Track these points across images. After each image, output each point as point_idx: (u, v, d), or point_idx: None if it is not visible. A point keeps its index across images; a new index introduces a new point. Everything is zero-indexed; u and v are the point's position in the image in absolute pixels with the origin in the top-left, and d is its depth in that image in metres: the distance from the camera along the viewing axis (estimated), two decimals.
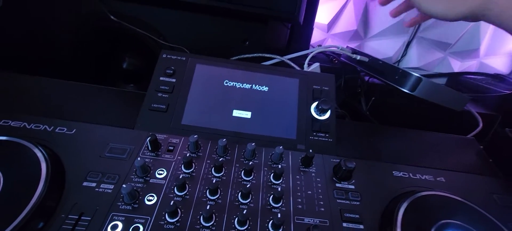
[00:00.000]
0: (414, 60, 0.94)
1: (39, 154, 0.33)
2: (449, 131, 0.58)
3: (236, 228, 0.32)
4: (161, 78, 0.47)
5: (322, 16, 0.85)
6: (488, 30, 0.90)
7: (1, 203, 0.29)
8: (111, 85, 0.63)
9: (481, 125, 0.66)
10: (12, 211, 0.28)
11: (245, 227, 0.33)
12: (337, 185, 0.40)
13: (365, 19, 0.88)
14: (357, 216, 0.37)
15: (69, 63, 0.58)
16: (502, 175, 0.48)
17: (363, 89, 0.73)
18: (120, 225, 0.30)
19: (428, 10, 0.41)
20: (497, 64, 0.98)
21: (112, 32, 0.57)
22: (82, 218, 0.30)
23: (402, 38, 0.90)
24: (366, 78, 0.75)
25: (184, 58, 0.49)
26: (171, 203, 0.31)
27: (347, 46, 0.71)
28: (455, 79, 0.98)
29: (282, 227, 0.33)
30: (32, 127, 0.39)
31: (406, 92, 0.57)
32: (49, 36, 0.56)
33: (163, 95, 0.45)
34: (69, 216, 0.30)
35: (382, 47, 0.91)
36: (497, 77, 0.93)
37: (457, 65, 0.97)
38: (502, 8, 0.35)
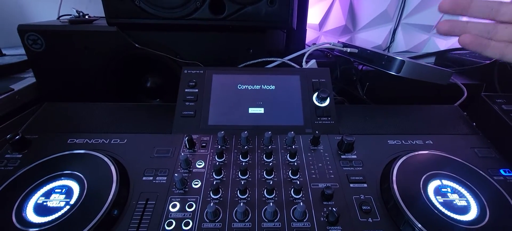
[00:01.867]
0: (402, 44, 1.03)
1: (108, 161, 0.42)
2: (439, 103, 0.66)
3: (266, 196, 0.41)
4: (186, 90, 0.56)
5: (313, 17, 0.95)
6: None
7: (88, 200, 0.38)
8: (139, 102, 0.73)
9: (465, 94, 0.74)
10: (98, 204, 0.38)
11: (272, 195, 0.42)
12: (342, 156, 0.49)
13: (352, 14, 0.97)
14: (361, 177, 0.45)
15: (103, 88, 0.68)
16: (482, 134, 0.56)
17: (357, 77, 0.81)
18: (178, 204, 0.40)
19: None
20: None
21: (136, 58, 0.66)
22: (149, 202, 0.40)
23: (388, 27, 0.99)
24: (359, 67, 0.84)
25: (202, 71, 0.59)
26: (214, 183, 0.41)
27: (338, 41, 0.80)
28: (443, 56, 1.07)
29: (302, 191, 0.42)
30: (93, 141, 0.48)
31: (393, 74, 0.65)
32: (86, 69, 0.66)
33: (190, 103, 0.55)
34: (139, 202, 0.39)
35: (371, 37, 1.00)
36: None
37: (443, 44, 1.05)
38: None
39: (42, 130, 0.51)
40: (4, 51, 0.79)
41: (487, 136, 0.55)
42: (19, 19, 0.65)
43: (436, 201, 0.41)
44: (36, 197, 0.38)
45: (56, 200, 0.38)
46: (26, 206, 0.37)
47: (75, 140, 0.48)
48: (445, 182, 0.44)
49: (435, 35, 1.04)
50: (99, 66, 0.66)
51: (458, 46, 1.06)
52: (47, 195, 0.38)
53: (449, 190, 0.43)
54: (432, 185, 0.43)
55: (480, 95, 0.63)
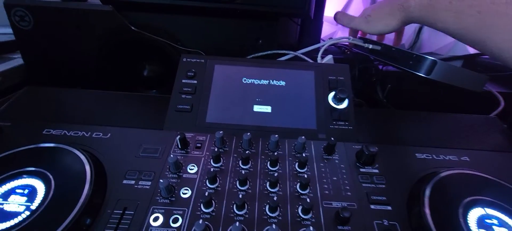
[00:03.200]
0: (427, 45, 0.93)
1: (82, 158, 0.36)
2: (470, 113, 0.57)
3: (267, 214, 0.34)
4: (183, 81, 0.49)
5: (331, 9, 0.86)
6: None
7: (54, 203, 0.32)
8: (135, 92, 0.66)
9: (503, 103, 0.65)
10: (64, 210, 0.31)
11: (276, 213, 0.34)
12: (361, 170, 0.41)
13: None
14: (384, 198, 0.37)
15: (94, 74, 0.62)
16: None
17: (378, 77, 0.73)
18: (161, 217, 0.33)
19: (371, 31, 0.57)
20: None
21: (132, 42, 0.60)
22: (126, 212, 0.33)
23: (413, 25, 0.90)
24: (380, 66, 0.75)
25: (203, 61, 0.52)
26: (206, 194, 0.34)
27: (359, 37, 0.71)
28: (472, 61, 0.96)
29: (312, 211, 0.35)
30: (72, 134, 0.42)
31: (422, 76, 0.57)
32: (76, 52, 0.60)
33: (187, 96, 0.48)
34: (115, 211, 0.33)
35: (393, 35, 0.91)
36: None
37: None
38: (419, 14, 0.48)
39: (18, 117, 0.45)
40: None
41: None
42: None
43: None
44: None
45: (15, 203, 0.31)
46: None
47: (52, 130, 0.42)
48: (490, 211, 0.35)
49: None
50: (92, 49, 0.60)
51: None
52: (6, 196, 0.32)
53: (495, 221, 0.34)
54: (474, 214, 0.35)
55: None
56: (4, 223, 0.30)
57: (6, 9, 0.56)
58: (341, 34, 0.91)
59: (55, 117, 0.46)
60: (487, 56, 0.92)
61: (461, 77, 0.59)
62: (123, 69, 0.65)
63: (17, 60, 0.64)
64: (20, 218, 0.30)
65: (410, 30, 0.90)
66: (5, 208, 0.31)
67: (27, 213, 0.31)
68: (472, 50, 0.95)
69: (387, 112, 0.57)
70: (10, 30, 0.62)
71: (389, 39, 0.75)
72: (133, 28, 0.56)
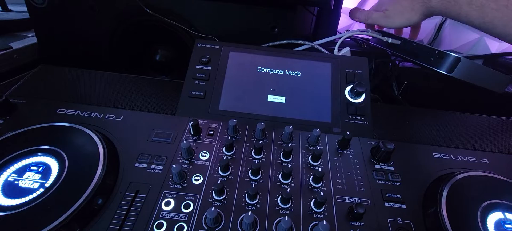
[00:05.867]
0: (447, 42, 0.90)
1: (96, 139, 0.35)
2: (488, 114, 0.55)
3: (279, 206, 0.34)
4: (197, 66, 0.48)
5: (349, 1, 0.83)
6: None
7: (68, 182, 0.32)
8: (146, 75, 0.66)
9: None
10: (77, 189, 0.31)
11: (288, 205, 0.34)
12: (376, 166, 0.40)
13: None
14: (399, 196, 0.37)
15: (107, 55, 0.62)
16: None
17: (394, 73, 0.71)
18: (173, 202, 0.33)
19: (391, 26, 0.55)
20: None
21: (145, 25, 0.59)
22: (138, 195, 0.33)
23: (434, 20, 0.86)
24: (397, 61, 0.73)
25: (218, 47, 0.51)
26: (219, 182, 0.33)
27: (377, 29, 0.69)
28: (492, 60, 0.93)
29: (324, 205, 0.34)
30: (85, 115, 0.42)
31: (443, 74, 0.54)
32: (89, 32, 0.59)
33: (200, 82, 0.47)
34: (127, 193, 0.33)
35: (409, 29, 0.88)
36: None
37: (495, 46, 0.91)
38: (441, 8, 0.47)
39: (32, 95, 0.45)
40: (11, 7, 0.74)
41: None
42: None
43: None
44: (7, 174, 0.32)
45: (30, 180, 0.31)
46: None
47: (66, 110, 0.42)
48: (510, 216, 0.34)
49: (488, 35, 0.89)
50: (105, 30, 0.59)
51: None
52: (21, 172, 0.32)
53: None
54: (493, 218, 0.34)
55: None
56: (19, 199, 0.30)
57: None
58: (358, 27, 0.89)
59: (68, 97, 0.46)
60: (509, 57, 0.89)
61: (483, 77, 0.56)
62: (136, 52, 0.64)
63: (30, 38, 0.64)
64: (34, 195, 0.30)
65: (429, 26, 0.87)
66: (20, 184, 0.31)
67: (42, 190, 0.31)
68: (493, 50, 0.92)
69: (403, 109, 0.55)
70: (24, 8, 0.62)
71: (405, 33, 0.72)
72: (147, 10, 0.56)
